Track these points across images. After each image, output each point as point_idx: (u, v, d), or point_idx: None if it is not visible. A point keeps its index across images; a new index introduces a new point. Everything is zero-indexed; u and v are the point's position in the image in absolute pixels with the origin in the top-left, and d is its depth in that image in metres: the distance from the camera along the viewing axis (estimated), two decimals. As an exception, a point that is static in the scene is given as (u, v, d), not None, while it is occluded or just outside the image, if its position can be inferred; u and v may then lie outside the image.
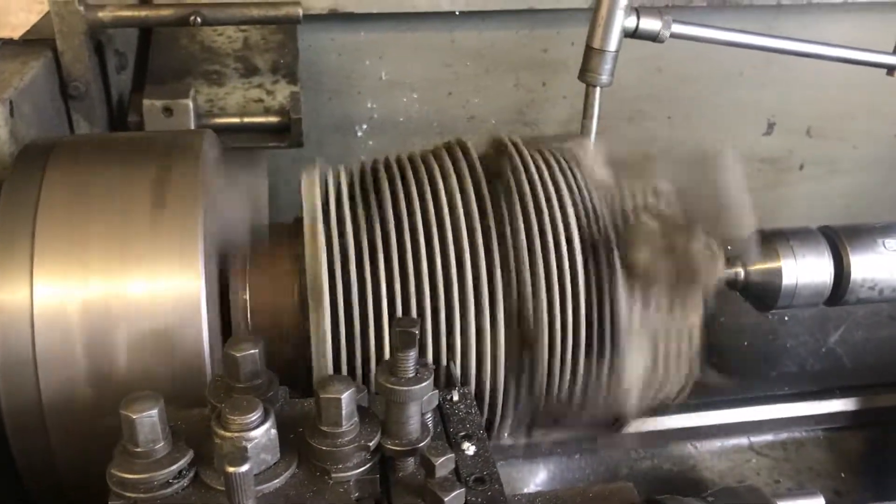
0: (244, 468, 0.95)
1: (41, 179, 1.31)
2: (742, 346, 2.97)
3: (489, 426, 1.50)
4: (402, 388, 1.07)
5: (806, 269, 1.65)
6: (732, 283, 1.68)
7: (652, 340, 1.46)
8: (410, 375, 1.08)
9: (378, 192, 1.48)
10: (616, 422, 1.53)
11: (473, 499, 1.10)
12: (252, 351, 1.14)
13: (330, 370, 1.39)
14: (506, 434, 1.52)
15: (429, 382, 1.08)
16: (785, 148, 3.01)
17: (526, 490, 2.10)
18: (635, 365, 1.45)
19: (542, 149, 1.56)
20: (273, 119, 2.09)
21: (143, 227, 1.29)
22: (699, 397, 2.28)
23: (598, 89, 2.00)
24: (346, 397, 1.06)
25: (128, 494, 1.03)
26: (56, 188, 1.31)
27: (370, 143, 2.73)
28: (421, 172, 1.50)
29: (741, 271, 1.67)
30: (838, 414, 2.46)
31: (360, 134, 2.72)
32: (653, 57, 2.72)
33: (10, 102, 1.60)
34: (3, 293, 1.23)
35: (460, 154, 1.53)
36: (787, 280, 1.65)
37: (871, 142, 3.02)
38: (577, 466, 2.15)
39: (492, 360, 1.42)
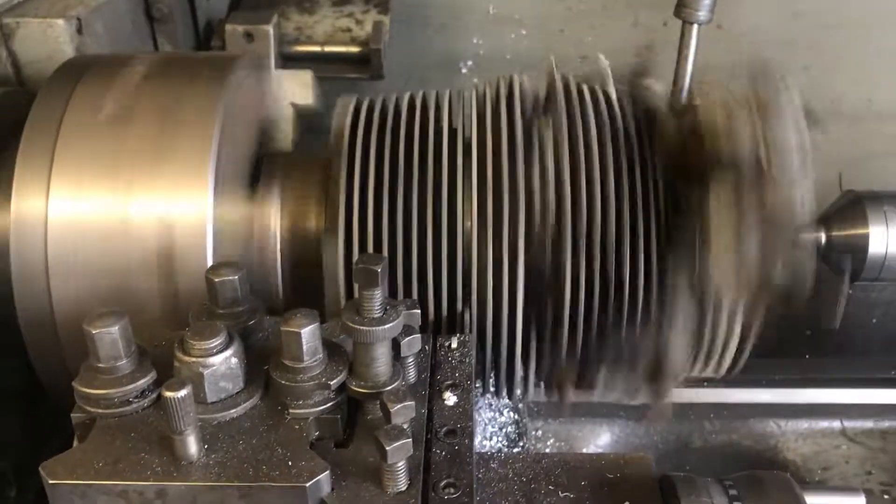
0: (181, 393, 0.92)
1: (70, 95, 1.32)
2: (870, 323, 2.69)
3: (509, 378, 1.42)
4: (365, 328, 1.01)
5: (899, 238, 1.45)
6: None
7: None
8: (376, 315, 1.02)
9: (408, 125, 1.42)
10: (657, 389, 1.41)
11: (438, 451, 1.04)
12: (231, 277, 1.11)
13: (342, 300, 1.35)
14: (531, 389, 1.43)
15: (395, 324, 1.02)
16: (947, 109, 2.67)
17: (584, 451, 2.01)
18: (681, 318, 1.32)
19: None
20: (354, 49, 2.05)
21: (161, 145, 1.28)
22: (788, 371, 2.08)
23: (695, 27, 1.82)
24: (308, 332, 1.01)
25: (89, 409, 1.03)
26: (82, 104, 1.32)
27: (474, 81, 2.62)
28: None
29: (822, 235, 1.49)
30: (956, 405, 2.17)
31: (464, 71, 2.63)
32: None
33: (78, 20, 1.63)
34: (21, 203, 1.26)
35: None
36: (875, 248, 1.45)
37: None
38: (645, 433, 2.03)
39: (510, 301, 1.33)
